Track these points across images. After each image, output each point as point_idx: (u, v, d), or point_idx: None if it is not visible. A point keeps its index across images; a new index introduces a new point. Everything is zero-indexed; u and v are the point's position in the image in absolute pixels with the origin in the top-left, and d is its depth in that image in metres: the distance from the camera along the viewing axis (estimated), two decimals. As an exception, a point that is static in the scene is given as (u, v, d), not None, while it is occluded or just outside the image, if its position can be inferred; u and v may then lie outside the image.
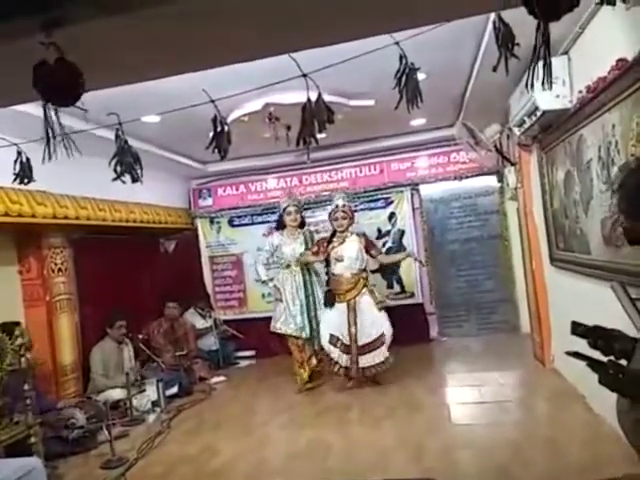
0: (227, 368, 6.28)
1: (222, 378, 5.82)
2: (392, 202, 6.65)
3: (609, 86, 2.69)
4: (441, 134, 6.00)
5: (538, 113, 3.58)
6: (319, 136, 5.74)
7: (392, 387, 4.85)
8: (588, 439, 3.21)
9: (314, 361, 5.21)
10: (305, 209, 6.65)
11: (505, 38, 1.89)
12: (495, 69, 2.10)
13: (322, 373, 5.30)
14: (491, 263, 6.43)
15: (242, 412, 4.70)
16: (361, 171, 6.69)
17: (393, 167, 6.61)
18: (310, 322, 5.20)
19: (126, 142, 2.28)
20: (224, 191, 7.00)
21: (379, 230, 6.65)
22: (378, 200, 6.67)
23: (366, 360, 4.89)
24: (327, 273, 5.14)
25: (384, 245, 6.62)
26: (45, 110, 1.87)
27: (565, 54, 3.43)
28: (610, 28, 2.71)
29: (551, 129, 3.78)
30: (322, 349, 5.10)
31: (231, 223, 7.03)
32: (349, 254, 5.01)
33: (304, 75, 2.24)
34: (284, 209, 5.37)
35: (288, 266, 5.30)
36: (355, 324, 4.92)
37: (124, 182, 2.30)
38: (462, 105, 4.88)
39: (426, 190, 6.62)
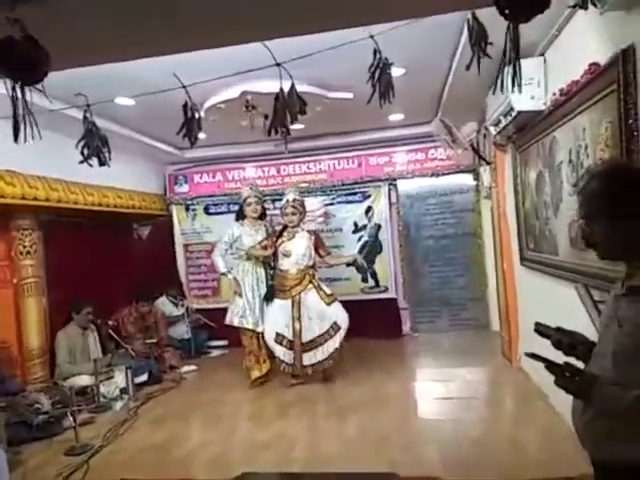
0: (199, 357, 6.24)
1: (193, 367, 5.79)
2: (369, 196, 6.67)
3: (581, 90, 2.73)
4: (419, 130, 6.01)
5: (513, 113, 3.61)
6: (298, 127, 5.77)
7: (361, 380, 4.89)
8: (548, 438, 3.29)
9: (268, 362, 5.09)
10: (280, 199, 6.65)
11: (478, 37, 1.91)
12: (468, 68, 2.12)
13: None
14: (464, 260, 6.50)
15: (210, 402, 4.68)
16: (339, 164, 6.68)
17: (371, 161, 6.62)
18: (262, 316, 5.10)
19: (94, 124, 2.23)
20: (201, 178, 6.94)
21: (355, 224, 6.67)
22: (355, 194, 6.68)
23: (309, 357, 4.87)
24: (273, 268, 5.08)
25: (360, 239, 6.65)
26: (13, 88, 1.82)
27: (541, 56, 3.46)
28: (585, 32, 2.74)
29: (525, 130, 3.83)
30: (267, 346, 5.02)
31: (207, 211, 6.97)
32: (297, 250, 4.98)
33: (278, 64, 2.23)
34: (244, 199, 5.26)
35: (249, 258, 5.20)
36: (299, 320, 4.89)
37: (91, 165, 2.26)
38: (440, 102, 4.90)
39: (403, 186, 6.65)
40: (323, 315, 4.89)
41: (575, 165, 2.90)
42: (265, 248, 5.06)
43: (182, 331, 6.32)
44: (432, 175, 6.46)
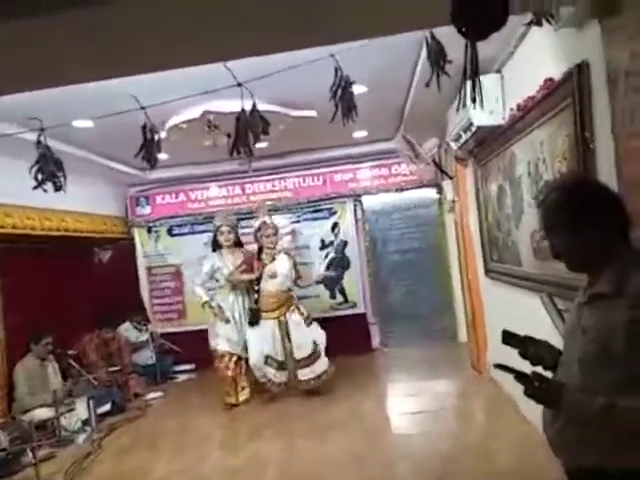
0: (165, 383, 6.07)
1: (158, 394, 5.61)
2: (335, 213, 6.68)
3: (537, 105, 2.80)
4: (382, 146, 6.09)
5: (473, 128, 3.68)
6: (261, 145, 5.75)
7: (335, 397, 4.85)
8: (520, 448, 3.30)
9: (242, 393, 5.08)
10: (246, 218, 6.60)
11: (437, 55, 1.93)
12: (428, 85, 2.15)
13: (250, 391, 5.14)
14: (430, 273, 6.56)
15: (178, 429, 4.54)
16: (304, 181, 6.68)
17: (336, 178, 6.64)
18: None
19: (48, 148, 2.15)
20: (163, 199, 6.81)
21: (322, 241, 6.67)
22: (321, 210, 6.67)
23: (305, 373, 4.90)
24: (256, 291, 5.04)
25: (327, 256, 6.64)
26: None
27: (498, 72, 3.55)
28: (539, 49, 2.83)
29: (485, 144, 3.91)
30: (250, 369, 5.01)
31: (170, 232, 6.84)
32: (281, 271, 5.01)
33: (239, 84, 2.20)
34: (217, 228, 5.29)
35: (233, 287, 5.20)
36: (289, 340, 4.93)
37: (45, 190, 2.17)
38: (402, 118, 4.97)
39: (368, 201, 6.69)
40: (307, 335, 4.94)
41: (534, 178, 2.97)
42: (248, 272, 5.04)
43: (147, 357, 6.14)
44: (396, 190, 6.52)
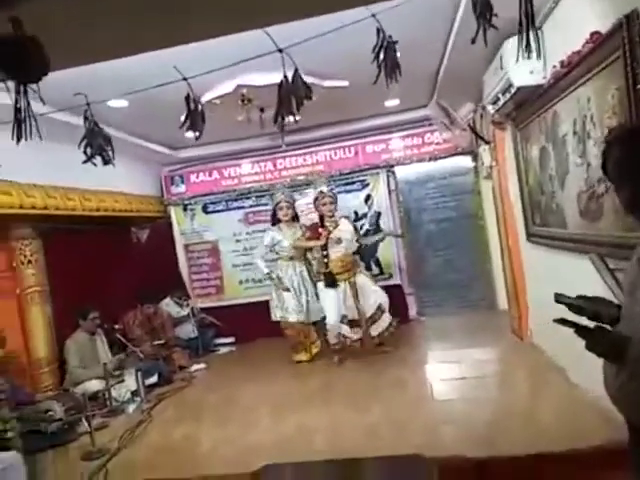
0: (207, 355, 6.21)
1: (202, 365, 5.76)
2: (368, 184, 6.63)
3: (583, 60, 2.71)
4: (415, 115, 5.99)
5: (512, 90, 3.58)
6: (292, 119, 5.69)
7: (376, 366, 4.89)
8: (565, 411, 3.28)
9: (316, 347, 5.55)
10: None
11: (482, 6, 1.87)
12: (474, 41, 2.09)
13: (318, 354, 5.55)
14: (467, 242, 6.49)
15: (224, 399, 4.65)
16: (336, 154, 6.64)
17: (368, 149, 6.58)
18: (309, 308, 5.48)
19: (96, 124, 2.18)
20: (197, 177, 6.87)
21: (356, 213, 6.63)
22: (354, 183, 6.63)
23: (374, 328, 5.24)
24: (325, 256, 5.25)
25: (361, 228, 6.61)
26: (17, 88, 1.78)
27: (539, 29, 3.42)
28: (583, 2, 2.72)
29: (525, 106, 3.80)
30: (325, 332, 5.40)
31: (205, 210, 6.91)
32: (345, 236, 5.28)
33: (280, 50, 2.18)
34: (276, 204, 5.60)
35: (291, 258, 5.51)
36: (358, 300, 5.24)
37: (95, 165, 2.22)
38: (436, 84, 4.87)
39: (401, 172, 6.62)
40: (373, 294, 5.29)
41: (581, 136, 2.88)
42: (314, 239, 5.31)
43: (188, 331, 6.29)
44: (430, 159, 6.42)
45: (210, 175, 6.86)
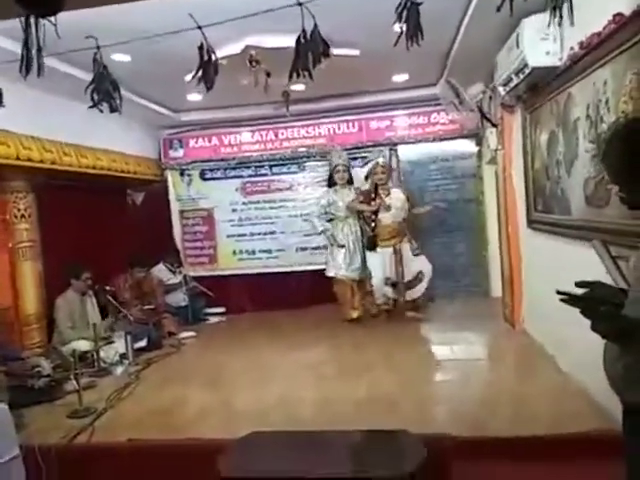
0: (196, 324, 6.18)
1: (191, 333, 5.73)
2: (370, 161, 6.53)
3: (604, 41, 2.63)
4: (423, 92, 5.88)
5: (527, 70, 3.50)
6: (298, 88, 5.58)
7: (370, 346, 4.89)
8: (556, 395, 3.29)
9: (360, 304, 5.81)
10: (280, 165, 6.58)
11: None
12: (499, 9, 2.02)
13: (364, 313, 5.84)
14: (466, 227, 6.44)
15: (212, 366, 4.64)
16: (339, 128, 6.54)
17: (372, 125, 6.48)
18: (361, 265, 5.79)
19: (105, 67, 2.10)
20: (196, 142, 6.76)
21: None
22: (356, 159, 6.51)
23: (409, 294, 5.63)
24: (374, 220, 5.60)
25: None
26: (26, 20, 1.69)
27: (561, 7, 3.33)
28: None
29: (538, 88, 3.73)
30: (371, 290, 5.72)
31: (203, 176, 6.82)
32: (396, 204, 5.59)
33: (300, 4, 2.08)
34: (334, 167, 5.91)
35: (346, 217, 5.82)
36: (402, 265, 5.59)
37: (101, 111, 2.13)
38: (447, 61, 4.76)
39: (404, 151, 6.53)
40: (414, 263, 5.63)
41: (594, 121, 2.82)
42: (368, 203, 5.65)
43: (179, 298, 6.26)
44: (434, 140, 6.34)
45: (209, 141, 6.74)
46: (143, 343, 5.08)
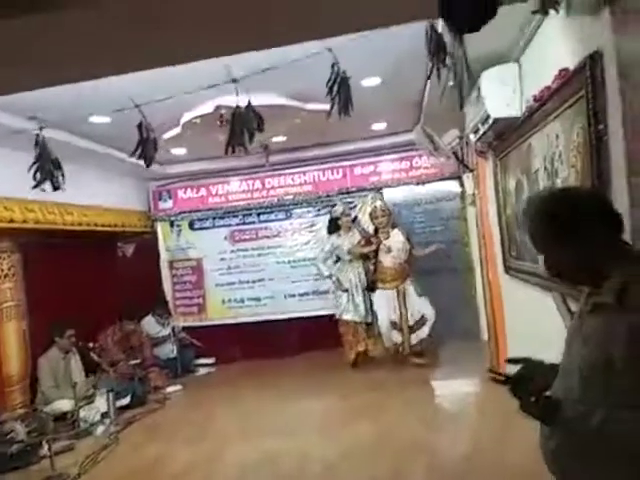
0: (186, 376, 6.13)
1: (178, 387, 5.68)
2: (355, 206, 6.58)
3: (553, 96, 2.67)
4: (403, 138, 5.95)
5: (490, 121, 3.55)
6: (279, 139, 5.68)
7: (353, 393, 4.83)
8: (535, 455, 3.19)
9: (362, 346, 5.83)
10: (267, 212, 6.64)
11: (437, 47, 1.84)
12: (429, 77, 2.07)
13: (368, 356, 5.87)
14: (453, 269, 6.40)
15: (195, 422, 4.59)
16: (324, 174, 6.61)
17: (356, 171, 6.56)
18: (369, 309, 5.83)
19: (45, 147, 2.15)
20: (185, 193, 6.85)
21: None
22: (342, 205, 6.57)
23: (413, 337, 5.62)
24: (374, 263, 5.73)
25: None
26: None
27: (516, 62, 3.41)
28: (555, 37, 2.69)
29: (504, 137, 3.77)
30: (379, 333, 5.76)
31: (192, 226, 6.88)
32: (396, 246, 5.67)
33: (234, 81, 2.15)
34: (339, 215, 6.01)
35: (350, 261, 5.89)
36: (405, 307, 5.62)
37: (44, 190, 2.18)
38: (421, 110, 4.85)
39: (389, 195, 6.57)
40: (418, 304, 5.65)
41: (550, 173, 2.84)
42: (368, 245, 5.77)
43: (168, 350, 6.21)
44: (417, 183, 6.40)
45: (197, 192, 6.83)
46: (127, 400, 5.02)
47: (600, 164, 2.15)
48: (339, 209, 6.07)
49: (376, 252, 5.71)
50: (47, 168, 2.18)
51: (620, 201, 1.93)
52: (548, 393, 1.47)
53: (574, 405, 1.31)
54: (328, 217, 6.30)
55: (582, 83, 2.25)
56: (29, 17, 1.83)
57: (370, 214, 5.94)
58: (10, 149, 4.27)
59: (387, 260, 5.68)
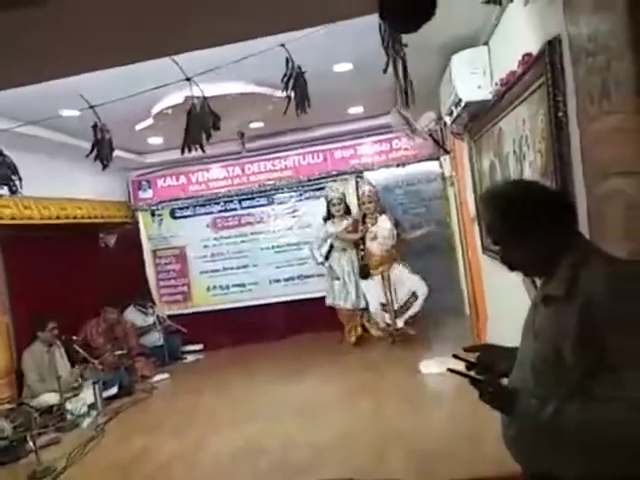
0: (174, 363, 6.18)
1: (165, 376, 5.71)
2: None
3: (518, 80, 2.67)
4: (381, 121, 5.90)
5: (462, 103, 3.55)
6: (256, 125, 5.63)
7: (338, 370, 4.98)
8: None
9: (360, 330, 5.98)
10: (249, 199, 6.63)
11: (390, 39, 1.84)
12: (385, 71, 2.06)
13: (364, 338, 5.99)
14: (436, 248, 6.45)
15: (182, 411, 4.63)
16: (304, 159, 6.59)
17: (337, 155, 6.53)
18: (359, 295, 5.93)
19: (1, 152, 2.13)
20: (164, 182, 6.80)
21: (324, 219, 6.58)
22: (323, 189, 6.53)
23: (399, 320, 5.69)
24: (362, 249, 5.80)
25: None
26: None
27: (485, 44, 3.40)
28: (519, 21, 2.68)
29: (477, 119, 3.77)
30: (369, 318, 5.91)
31: (173, 215, 6.85)
32: (382, 233, 5.69)
33: (188, 79, 2.13)
34: (329, 201, 6.01)
35: (344, 249, 5.95)
36: (390, 291, 5.69)
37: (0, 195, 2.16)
38: (396, 94, 4.82)
39: (370, 177, 6.55)
40: (406, 284, 5.68)
41: (519, 157, 2.86)
42: (354, 232, 5.84)
43: (155, 338, 6.24)
44: (398, 165, 6.40)
45: (177, 180, 6.79)
46: (114, 390, 5.06)
47: (561, 150, 2.17)
48: (330, 194, 6.05)
49: (363, 239, 5.77)
50: (3, 173, 2.16)
51: (579, 191, 1.96)
52: (506, 382, 1.52)
53: (528, 396, 1.35)
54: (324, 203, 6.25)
55: (543, 69, 2.26)
56: (14, 11, 1.79)
57: (358, 200, 5.98)
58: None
59: (373, 247, 5.74)
